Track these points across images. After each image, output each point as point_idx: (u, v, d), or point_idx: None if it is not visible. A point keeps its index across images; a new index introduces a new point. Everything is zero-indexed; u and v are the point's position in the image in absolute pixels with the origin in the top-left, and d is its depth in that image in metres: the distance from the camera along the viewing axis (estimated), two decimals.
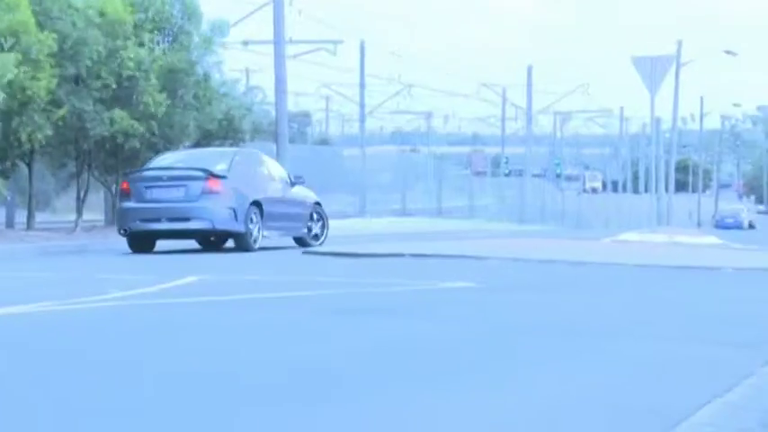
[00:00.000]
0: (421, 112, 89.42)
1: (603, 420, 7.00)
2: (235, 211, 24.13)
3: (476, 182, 67.00)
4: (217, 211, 23.98)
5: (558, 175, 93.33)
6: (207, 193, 23.95)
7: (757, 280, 19.13)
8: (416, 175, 56.78)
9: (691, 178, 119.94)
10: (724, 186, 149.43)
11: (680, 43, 71.69)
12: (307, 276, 17.07)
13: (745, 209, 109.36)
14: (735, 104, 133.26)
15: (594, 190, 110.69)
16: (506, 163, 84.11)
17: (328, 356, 9.49)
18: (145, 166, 25.84)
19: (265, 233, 25.31)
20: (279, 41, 35.59)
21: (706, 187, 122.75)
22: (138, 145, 28.09)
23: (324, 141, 75.25)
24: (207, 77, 30.54)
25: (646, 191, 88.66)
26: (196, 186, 23.98)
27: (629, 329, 11.69)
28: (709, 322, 12.48)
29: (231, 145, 31.16)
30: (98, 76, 27.35)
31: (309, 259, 21.76)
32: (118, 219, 25.38)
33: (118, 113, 27.25)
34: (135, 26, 28.32)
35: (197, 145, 30.28)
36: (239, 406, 7.11)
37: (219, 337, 10.58)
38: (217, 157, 25.97)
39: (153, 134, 28.42)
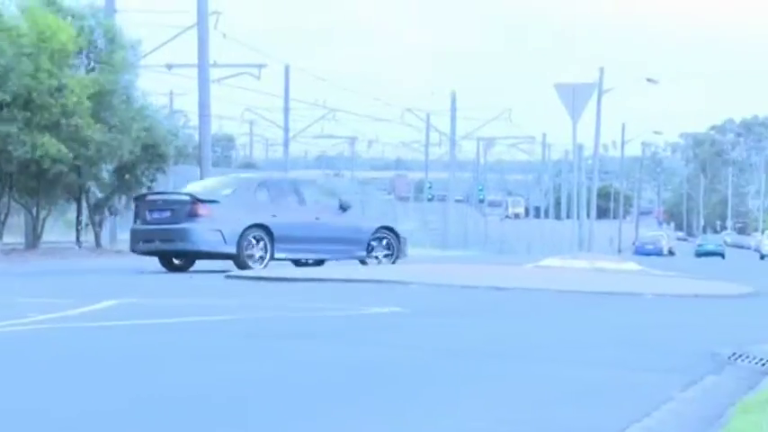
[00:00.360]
0: (345, 137, 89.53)
1: None
2: (223, 234, 25.33)
3: (399, 206, 67.20)
4: (201, 234, 25.29)
5: (482, 201, 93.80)
6: (192, 216, 25.28)
7: (676, 306, 19.32)
8: None
9: (612, 205, 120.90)
10: (644, 213, 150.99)
11: (602, 70, 72.52)
12: (228, 300, 16.99)
13: (665, 235, 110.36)
14: (656, 132, 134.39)
15: (517, 215, 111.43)
16: (430, 188, 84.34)
17: (240, 382, 9.45)
18: (150, 191, 28.42)
19: (279, 255, 26.50)
20: (203, 65, 35.51)
21: (627, 214, 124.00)
22: (64, 169, 27.87)
23: (248, 165, 75.08)
24: (130, 100, 30.40)
25: (568, 217, 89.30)
26: (183, 211, 25.38)
27: (552, 354, 11.77)
28: (629, 347, 12.59)
29: (156, 169, 31.05)
30: (26, 101, 27.10)
31: (234, 283, 21.68)
32: (129, 239, 27.21)
33: (45, 139, 27.00)
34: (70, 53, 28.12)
35: (120, 169, 30.07)
36: None
37: (113, 363, 10.50)
38: (231, 183, 28.04)
39: (76, 157, 28.20)
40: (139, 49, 31.77)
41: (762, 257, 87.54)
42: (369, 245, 28.47)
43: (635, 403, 8.39)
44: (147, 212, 25.86)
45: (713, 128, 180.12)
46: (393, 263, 28.84)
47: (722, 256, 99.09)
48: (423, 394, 8.97)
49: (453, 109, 76.84)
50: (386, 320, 14.89)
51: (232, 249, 25.47)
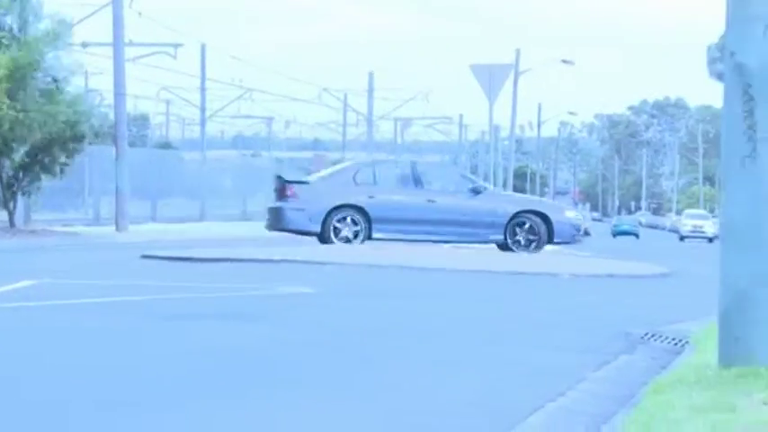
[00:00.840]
0: (262, 117, 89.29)
1: (436, 423, 7.09)
2: (308, 213, 27.07)
3: None
4: (288, 213, 27.41)
5: None
6: (281, 197, 27.77)
7: (591, 286, 19.51)
8: (258, 180, 56.45)
9: (528, 185, 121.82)
10: (561, 193, 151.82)
11: (518, 52, 72.93)
12: (143, 280, 16.92)
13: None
14: (571, 113, 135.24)
15: None
16: None
17: (150, 362, 9.43)
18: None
19: (377, 235, 27.38)
20: (118, 44, 35.22)
21: (543, 194, 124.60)
22: None
23: (165, 145, 74.52)
24: (54, 79, 29.98)
25: None
26: (278, 192, 28.01)
27: (465, 334, 11.85)
28: (545, 327, 12.70)
29: (72, 150, 30.69)
30: None
31: (149, 264, 21.59)
32: None
33: None
34: None
35: (35, 149, 29.70)
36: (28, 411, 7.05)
37: (30, 341, 10.45)
38: (336, 167, 31.43)
39: None
40: (67, 26, 31.34)
41: (681, 239, 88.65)
42: (507, 228, 28.23)
43: (549, 383, 8.47)
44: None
45: (628, 108, 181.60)
46: (537, 249, 28.48)
47: (636, 236, 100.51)
48: (338, 377, 9.00)
49: (371, 89, 76.89)
50: (295, 300, 14.90)
51: (317, 228, 27.03)
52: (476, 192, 28.41)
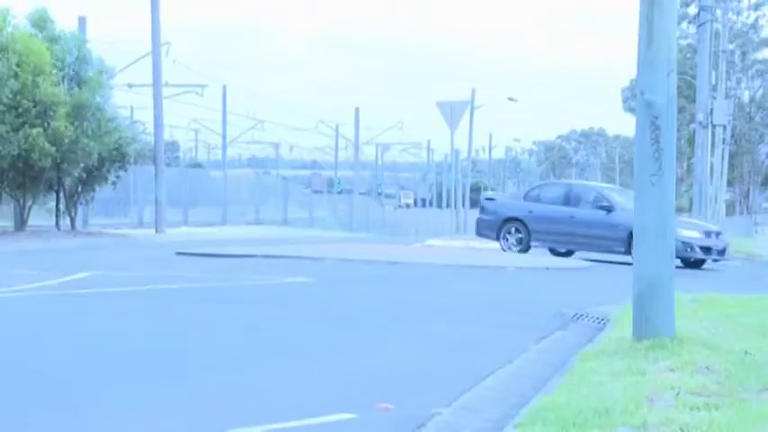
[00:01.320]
0: (271, 143, 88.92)
1: (415, 383, 7.12)
2: (490, 223, 26.77)
3: (315, 198, 66.76)
4: (482, 223, 27.25)
5: (380, 194, 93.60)
6: (481, 211, 27.87)
7: (531, 276, 19.54)
8: (267, 193, 56.31)
9: (482, 197, 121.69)
10: None
11: (473, 91, 72.97)
12: (178, 272, 16.89)
13: (699, 234, 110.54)
14: (515, 139, 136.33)
15: (408, 205, 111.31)
16: (339, 183, 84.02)
17: (189, 334, 9.45)
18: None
19: (533, 243, 26.02)
20: (156, 85, 35.11)
21: None
22: (47, 164, 27.33)
23: (194, 165, 73.99)
24: (102, 111, 29.80)
25: (447, 206, 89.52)
26: (480, 206, 28.29)
27: (435, 315, 11.87)
28: (496, 310, 12.73)
29: (119, 167, 30.55)
30: (17, 107, 26.52)
31: (182, 259, 21.52)
32: None
33: (33, 131, 26.44)
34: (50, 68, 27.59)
35: (90, 167, 29.59)
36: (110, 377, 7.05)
37: (99, 320, 10.45)
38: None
39: (59, 157, 27.69)
40: (111, 72, 31.20)
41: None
42: (628, 243, 23.32)
43: (499, 353, 8.51)
44: None
45: (559, 136, 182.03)
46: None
47: None
48: (335, 345, 9.02)
49: (357, 121, 76.76)
50: (304, 288, 14.90)
51: (494, 235, 26.63)
52: (608, 210, 25.46)
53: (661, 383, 6.62)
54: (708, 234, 24.67)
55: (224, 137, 62.83)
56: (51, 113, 27.02)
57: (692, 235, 24.08)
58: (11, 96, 26.17)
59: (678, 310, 8.85)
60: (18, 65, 26.41)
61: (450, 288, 16.05)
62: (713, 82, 37.83)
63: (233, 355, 8.22)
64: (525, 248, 26.07)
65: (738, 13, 67.34)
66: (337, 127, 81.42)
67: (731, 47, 58.81)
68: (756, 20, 69.25)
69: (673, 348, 7.96)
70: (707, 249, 24.18)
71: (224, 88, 61.68)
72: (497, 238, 26.63)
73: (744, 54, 67.93)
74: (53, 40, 28.93)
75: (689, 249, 23.73)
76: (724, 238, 25.54)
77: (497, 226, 26.70)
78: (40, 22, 28.93)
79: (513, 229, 26.39)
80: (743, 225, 54.09)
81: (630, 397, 6.17)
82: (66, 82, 28.93)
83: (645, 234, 8.56)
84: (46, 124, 26.98)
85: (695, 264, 24.16)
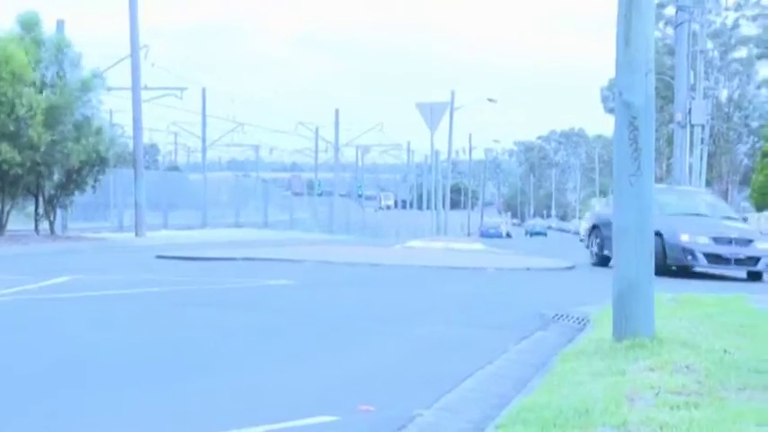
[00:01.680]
0: (251, 145, 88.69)
1: (396, 385, 7.12)
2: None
3: (295, 200, 66.73)
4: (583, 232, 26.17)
5: (360, 195, 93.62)
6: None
7: (511, 277, 19.59)
8: (248, 196, 56.19)
9: (462, 198, 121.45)
10: (488, 204, 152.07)
11: (453, 92, 72.88)
12: (159, 275, 16.85)
13: (504, 222, 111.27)
14: (495, 140, 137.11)
15: (388, 207, 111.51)
16: (319, 185, 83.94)
17: (171, 336, 9.43)
18: None
19: (605, 251, 22.25)
20: (136, 88, 35.00)
21: (474, 205, 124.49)
22: (20, 171, 27.21)
23: (174, 168, 73.90)
24: (86, 117, 29.69)
25: (428, 208, 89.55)
26: None
27: (416, 317, 11.87)
28: (476, 311, 12.75)
29: (99, 172, 30.43)
30: None
31: (162, 262, 21.48)
32: None
33: (2, 145, 26.32)
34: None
35: (69, 171, 29.45)
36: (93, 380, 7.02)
37: (78, 324, 10.41)
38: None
39: (37, 163, 27.58)
40: (102, 75, 31.09)
41: (582, 239, 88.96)
42: None
43: (479, 354, 8.52)
44: None
45: (540, 137, 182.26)
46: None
47: (545, 235, 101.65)
48: (317, 347, 9.01)
49: (337, 123, 76.68)
50: (284, 291, 14.89)
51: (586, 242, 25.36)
52: None
53: (641, 383, 6.64)
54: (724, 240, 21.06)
55: (203, 140, 62.70)
56: (27, 122, 26.89)
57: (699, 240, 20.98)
58: None
59: (658, 310, 8.88)
60: None
61: (431, 289, 16.07)
62: (691, 82, 37.98)
63: (214, 359, 8.20)
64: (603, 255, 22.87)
65: (717, 14, 67.65)
66: (317, 129, 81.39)
67: (710, 46, 59.08)
68: (737, 20, 69.59)
69: (652, 348, 7.99)
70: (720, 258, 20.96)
71: (203, 91, 61.62)
72: (586, 246, 25.13)
73: (724, 53, 68.26)
74: (39, 42, 28.83)
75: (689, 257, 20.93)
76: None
77: (587, 233, 25.73)
78: (30, 24, 28.78)
79: (594, 236, 24.23)
80: None
81: (611, 397, 6.19)
82: (48, 87, 28.83)
83: (625, 235, 8.58)
84: (21, 133, 26.81)
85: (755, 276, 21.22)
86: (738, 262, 20.74)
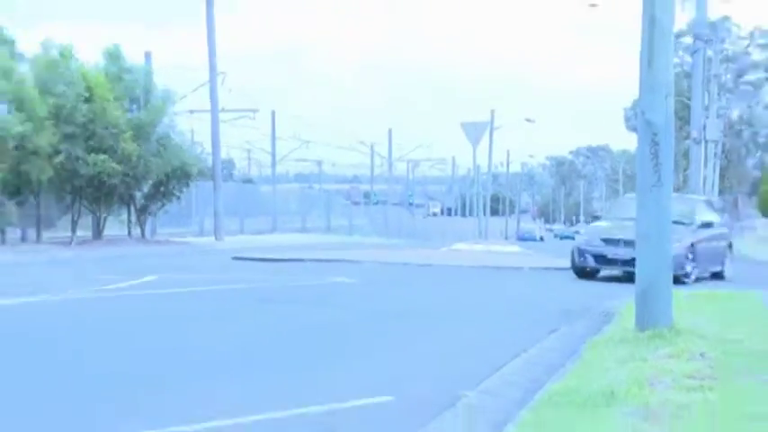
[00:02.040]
0: (314, 160, 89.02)
1: (444, 371, 7.15)
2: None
3: (353, 209, 66.81)
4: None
5: (411, 204, 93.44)
6: None
7: (544, 276, 19.48)
8: (312, 204, 56.39)
9: (501, 206, 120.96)
10: (523, 212, 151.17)
11: (493, 112, 72.81)
12: (236, 274, 16.99)
13: (538, 227, 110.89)
14: (530, 155, 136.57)
15: (435, 214, 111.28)
16: (375, 196, 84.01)
17: (253, 330, 9.52)
18: None
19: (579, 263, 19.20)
20: (214, 110, 35.32)
21: (511, 212, 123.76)
22: (115, 182, 27.54)
23: (248, 181, 74.23)
24: (166, 134, 30.03)
25: (470, 214, 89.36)
26: None
27: (463, 311, 11.89)
28: (514, 304, 12.73)
29: (183, 184, 30.67)
30: (90, 135, 26.79)
31: (239, 263, 21.63)
32: None
33: (100, 157, 26.65)
34: (115, 97, 27.84)
35: (157, 183, 29.76)
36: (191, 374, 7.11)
37: (153, 318, 10.54)
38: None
39: (127, 175, 27.92)
40: (173, 99, 31.36)
41: None
42: None
43: (516, 344, 8.52)
44: None
45: (569, 152, 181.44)
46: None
47: (573, 238, 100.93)
48: (377, 343, 9.06)
49: (390, 140, 76.81)
50: (348, 288, 14.94)
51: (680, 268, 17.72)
52: None
53: (660, 369, 6.62)
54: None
55: (273, 156, 62.99)
56: (119, 136, 27.30)
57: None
58: (83, 120, 26.53)
59: (676, 305, 8.83)
60: (89, 96, 26.80)
61: (475, 287, 16.06)
62: (706, 103, 37.55)
63: (293, 348, 8.28)
64: None
65: (732, 42, 66.90)
66: (372, 146, 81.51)
67: (724, 70, 58.42)
68: (747, 46, 68.78)
69: (671, 338, 7.94)
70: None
71: (273, 114, 61.91)
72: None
73: (738, 77, 67.47)
74: (125, 71, 29.33)
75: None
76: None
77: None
78: (114, 56, 29.38)
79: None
80: (733, 229, 53.52)
81: (633, 380, 6.18)
82: (133, 109, 29.27)
83: (646, 239, 8.57)
84: (115, 146, 27.22)
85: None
86: (625, 263, 17.35)
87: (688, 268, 17.87)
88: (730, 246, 20.53)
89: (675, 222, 19.62)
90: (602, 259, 18.27)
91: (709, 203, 21.38)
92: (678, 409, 5.44)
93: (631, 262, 15.17)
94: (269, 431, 5.23)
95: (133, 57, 30.71)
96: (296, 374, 6.82)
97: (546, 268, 21.32)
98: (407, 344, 8.76)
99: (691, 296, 12.31)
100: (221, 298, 12.79)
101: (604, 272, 19.04)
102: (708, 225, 19.30)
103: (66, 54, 27.27)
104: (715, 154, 41.87)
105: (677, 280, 14.86)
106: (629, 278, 16.36)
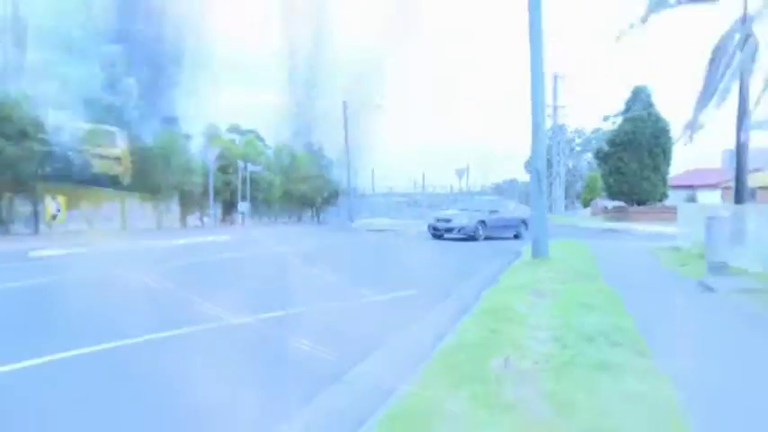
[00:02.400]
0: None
1: (446, 279, 6.58)
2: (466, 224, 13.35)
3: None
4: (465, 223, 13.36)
5: None
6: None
7: (498, 243, 13.00)
8: (401, 207, 36.92)
9: None
10: None
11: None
12: (368, 237, 12.94)
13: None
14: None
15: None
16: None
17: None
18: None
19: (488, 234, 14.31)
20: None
21: None
22: (307, 196, 24.57)
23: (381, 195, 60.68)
24: (321, 175, 25.40)
25: None
26: None
27: (465, 258, 9.91)
28: (477, 251, 10.59)
29: (335, 198, 28.32)
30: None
31: (367, 233, 15.48)
32: None
33: (302, 186, 23.93)
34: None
35: (323, 199, 27.46)
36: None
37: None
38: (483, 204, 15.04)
39: (307, 194, 25.04)
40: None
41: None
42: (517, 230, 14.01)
43: (500, 263, 8.02)
44: None
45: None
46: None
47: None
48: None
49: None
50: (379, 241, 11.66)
51: (472, 232, 13.31)
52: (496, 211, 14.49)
53: (544, 275, 6.50)
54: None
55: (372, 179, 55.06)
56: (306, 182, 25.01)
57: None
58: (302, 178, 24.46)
59: (549, 246, 8.49)
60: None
61: (485, 247, 11.28)
62: (558, 158, 35.96)
63: (390, 266, 7.16)
64: (483, 238, 14.37)
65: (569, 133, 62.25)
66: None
67: (566, 143, 54.07)
68: (563, 125, 61.42)
69: (548, 262, 7.75)
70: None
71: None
72: (473, 232, 14.52)
73: (571, 150, 60.56)
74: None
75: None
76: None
77: (473, 225, 14.61)
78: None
79: (481, 227, 14.62)
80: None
81: (533, 279, 6.10)
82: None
83: (538, 219, 8.38)
84: (309, 185, 25.65)
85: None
86: (447, 231, 13.69)
87: (480, 233, 13.83)
88: (524, 222, 14.82)
89: (475, 210, 14.80)
90: (435, 229, 13.93)
91: (506, 202, 15.84)
92: (553, 292, 5.36)
93: (449, 230, 13.31)
94: (369, 306, 4.78)
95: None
96: (385, 282, 6.12)
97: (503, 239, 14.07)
98: (435, 268, 7.99)
99: (557, 243, 11.24)
100: (387, 239, 10.60)
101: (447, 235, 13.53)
102: (495, 212, 14.61)
103: None
104: (560, 183, 40.01)
105: (473, 238, 13.11)
106: (447, 238, 12.74)
